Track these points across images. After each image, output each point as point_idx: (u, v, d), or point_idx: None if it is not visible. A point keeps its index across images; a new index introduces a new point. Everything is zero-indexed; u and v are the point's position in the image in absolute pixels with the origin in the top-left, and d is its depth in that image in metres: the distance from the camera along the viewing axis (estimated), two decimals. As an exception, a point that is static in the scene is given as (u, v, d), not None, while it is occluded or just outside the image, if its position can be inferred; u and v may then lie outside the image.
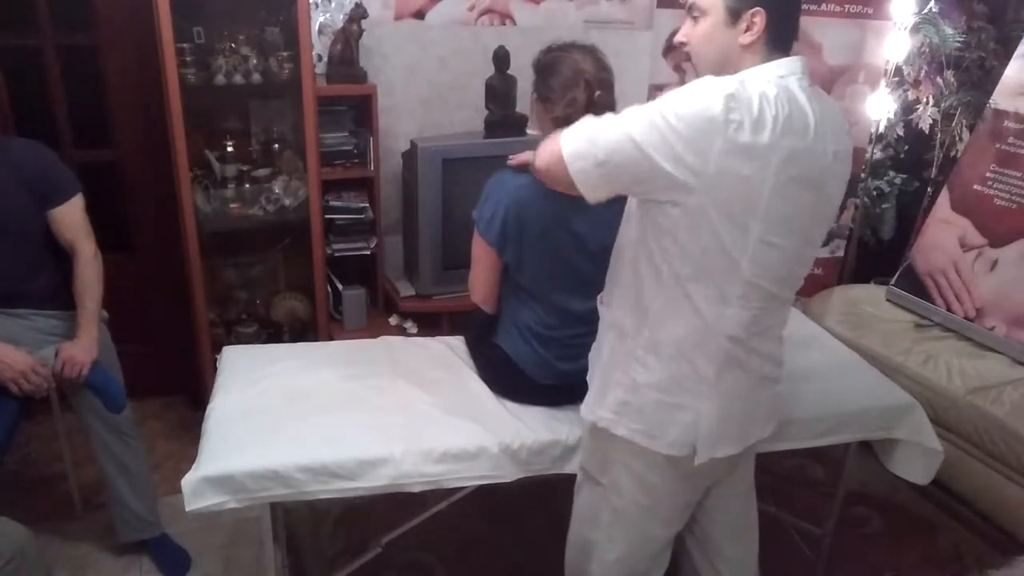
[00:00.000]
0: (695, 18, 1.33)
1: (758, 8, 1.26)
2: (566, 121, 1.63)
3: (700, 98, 1.20)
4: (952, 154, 3.07)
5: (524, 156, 1.66)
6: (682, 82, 1.63)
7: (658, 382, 1.39)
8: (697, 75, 1.33)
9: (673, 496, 1.49)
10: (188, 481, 1.54)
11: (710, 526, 1.64)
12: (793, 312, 2.46)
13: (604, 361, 1.50)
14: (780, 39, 1.29)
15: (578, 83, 1.62)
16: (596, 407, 1.50)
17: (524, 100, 1.83)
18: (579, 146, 1.30)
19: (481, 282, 1.83)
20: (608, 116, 1.30)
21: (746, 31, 1.27)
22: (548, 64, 1.68)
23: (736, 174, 1.21)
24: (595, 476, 1.56)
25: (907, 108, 3.10)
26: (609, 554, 1.56)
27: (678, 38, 1.37)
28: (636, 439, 1.43)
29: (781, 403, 1.57)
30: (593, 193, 1.33)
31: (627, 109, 1.28)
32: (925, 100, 3.08)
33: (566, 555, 1.67)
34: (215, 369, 1.97)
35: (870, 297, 2.96)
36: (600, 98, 1.63)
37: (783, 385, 1.54)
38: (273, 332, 2.90)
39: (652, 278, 1.35)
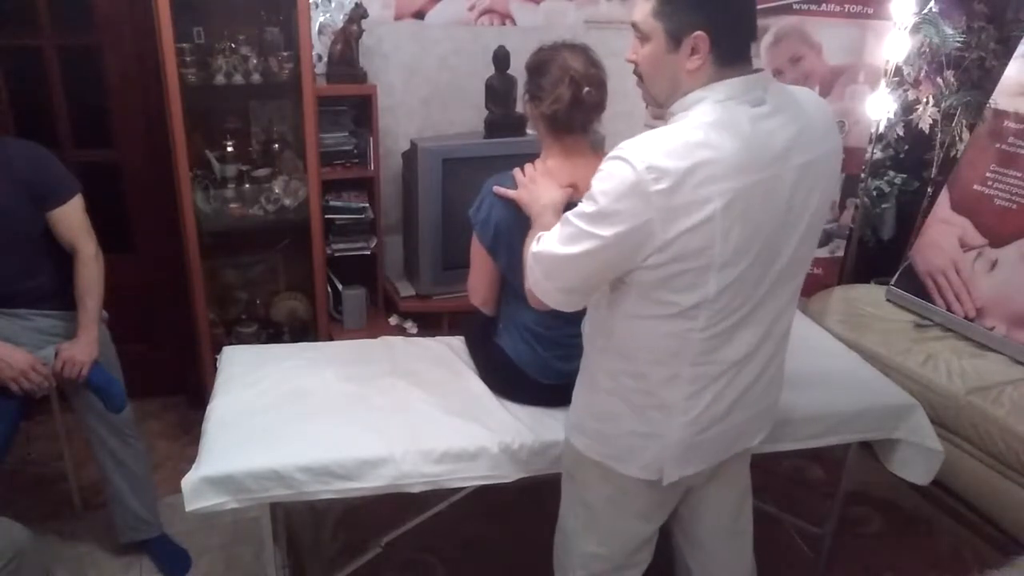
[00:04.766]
0: (639, 38, 1.28)
1: (699, 32, 1.19)
2: (553, 118, 1.66)
3: (618, 188, 1.17)
4: (952, 154, 3.07)
5: (512, 193, 1.68)
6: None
7: (625, 412, 1.38)
8: (650, 95, 1.31)
9: (644, 496, 1.47)
10: (188, 481, 1.54)
11: (700, 530, 1.62)
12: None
13: (582, 382, 1.50)
14: (728, 58, 1.22)
15: (564, 80, 1.63)
16: (575, 431, 1.51)
17: (523, 101, 1.84)
18: (540, 287, 1.35)
19: (480, 285, 1.84)
20: (549, 239, 1.31)
21: (691, 55, 1.21)
22: (538, 63, 1.69)
23: (684, 231, 1.17)
24: (571, 471, 1.56)
25: (907, 108, 3.10)
26: (586, 547, 1.55)
27: (628, 56, 1.31)
28: (608, 463, 1.44)
29: (774, 414, 1.53)
30: (580, 304, 1.37)
31: (560, 227, 1.28)
32: (925, 100, 3.08)
33: (553, 549, 1.67)
34: (215, 369, 1.97)
35: (870, 297, 2.96)
36: (588, 95, 1.64)
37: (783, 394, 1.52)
38: (273, 332, 2.90)
39: (614, 306, 1.34)
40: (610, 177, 1.19)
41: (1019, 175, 2.67)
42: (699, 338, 1.28)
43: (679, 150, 1.16)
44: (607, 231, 1.19)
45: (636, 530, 1.53)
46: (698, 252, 1.18)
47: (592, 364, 1.45)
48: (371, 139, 2.81)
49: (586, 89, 1.63)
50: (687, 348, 1.29)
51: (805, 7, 2.97)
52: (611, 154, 1.20)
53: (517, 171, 1.69)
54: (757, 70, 1.26)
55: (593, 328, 1.43)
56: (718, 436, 1.40)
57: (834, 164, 1.34)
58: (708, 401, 1.35)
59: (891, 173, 3.20)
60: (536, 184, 1.63)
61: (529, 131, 2.80)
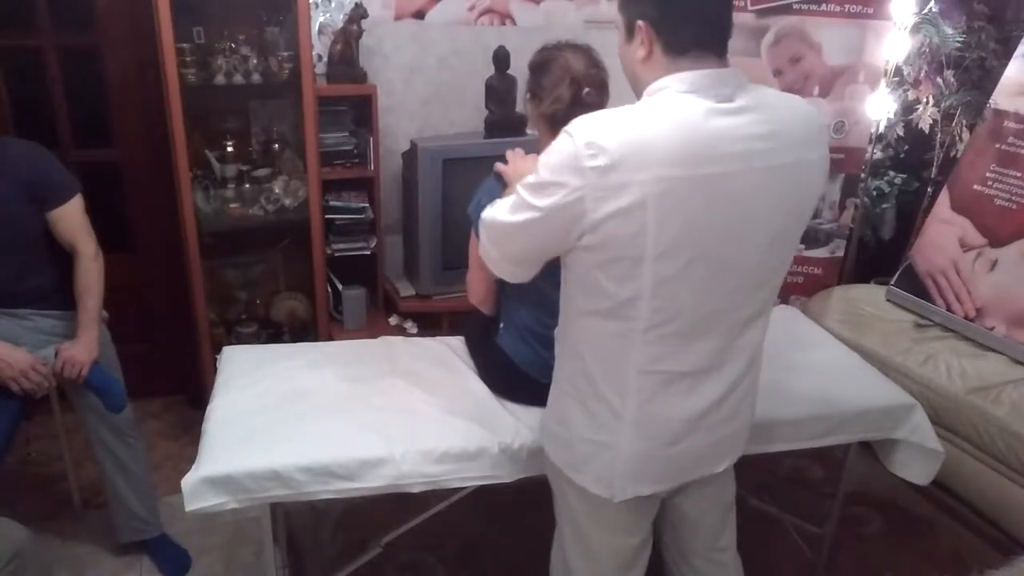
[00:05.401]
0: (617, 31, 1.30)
1: (641, 21, 1.20)
2: (552, 117, 1.66)
3: (558, 161, 1.18)
4: (952, 154, 3.07)
5: (501, 166, 1.70)
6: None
7: (580, 417, 1.37)
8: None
9: (614, 507, 1.41)
10: (188, 481, 1.54)
11: (683, 546, 1.61)
12: (793, 312, 2.48)
13: (552, 384, 1.48)
14: (678, 48, 1.20)
15: (564, 80, 1.63)
16: (543, 433, 1.52)
17: (524, 100, 1.84)
18: (487, 254, 1.38)
19: (478, 283, 1.83)
20: (500, 206, 1.33)
21: (640, 45, 1.22)
22: (540, 63, 1.70)
23: (614, 212, 1.15)
24: (550, 480, 1.55)
25: (907, 108, 3.10)
26: (576, 562, 1.53)
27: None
28: (567, 472, 1.43)
29: (742, 440, 1.47)
30: (529, 276, 1.38)
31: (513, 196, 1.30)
32: (925, 100, 3.08)
33: (550, 561, 1.65)
34: (215, 369, 1.97)
35: (870, 297, 2.96)
36: (588, 96, 1.64)
37: (762, 406, 1.50)
38: (273, 332, 2.90)
39: (567, 301, 1.34)
40: (554, 150, 1.19)
41: (1019, 175, 2.67)
42: (643, 340, 1.25)
43: (621, 130, 1.15)
44: (543, 202, 1.20)
45: (617, 543, 1.49)
46: (630, 238, 1.16)
47: (557, 365, 1.45)
48: (371, 139, 2.81)
49: (586, 90, 1.63)
50: (632, 351, 1.26)
51: (805, 7, 2.97)
52: (563, 128, 1.21)
53: (510, 151, 1.72)
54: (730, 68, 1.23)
55: (558, 328, 1.43)
56: (676, 457, 1.36)
57: (814, 174, 1.27)
58: (659, 413, 1.31)
59: (891, 173, 3.20)
60: (525, 160, 1.65)
61: (529, 131, 2.80)
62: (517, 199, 1.26)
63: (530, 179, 1.23)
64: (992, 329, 2.59)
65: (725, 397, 1.35)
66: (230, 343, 2.44)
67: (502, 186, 1.69)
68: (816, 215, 3.24)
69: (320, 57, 2.77)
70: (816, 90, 3.07)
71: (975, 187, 2.78)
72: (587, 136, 1.14)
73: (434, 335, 2.21)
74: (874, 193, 3.19)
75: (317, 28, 2.79)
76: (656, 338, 1.25)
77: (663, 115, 1.17)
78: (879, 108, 3.05)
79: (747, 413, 1.44)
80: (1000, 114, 2.77)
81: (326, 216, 2.78)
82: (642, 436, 1.33)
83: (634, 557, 1.52)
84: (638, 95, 1.28)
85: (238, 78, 2.53)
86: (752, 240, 1.23)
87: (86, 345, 1.95)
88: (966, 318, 2.66)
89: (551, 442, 1.48)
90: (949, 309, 2.72)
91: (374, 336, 2.20)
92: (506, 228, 1.30)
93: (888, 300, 2.92)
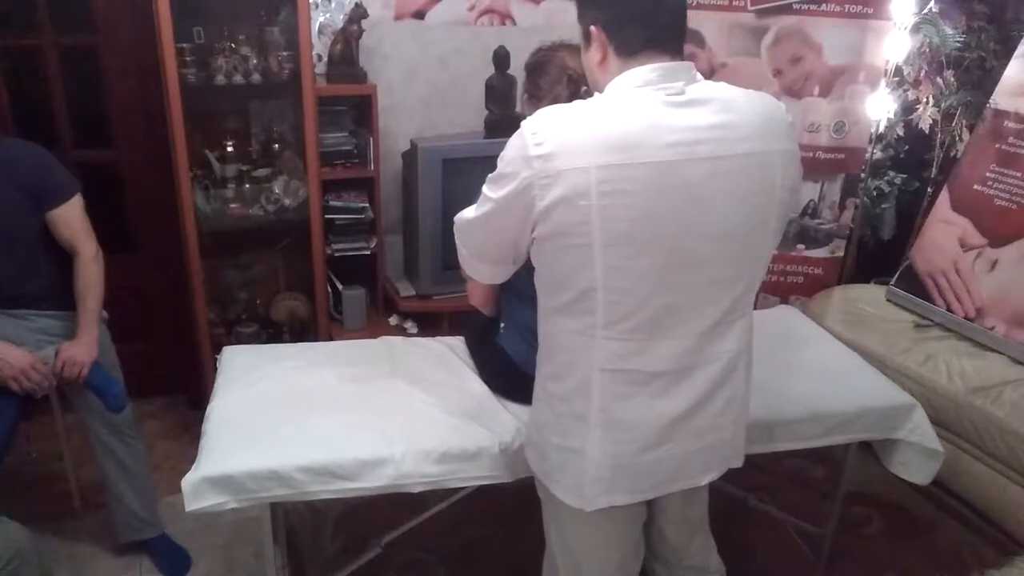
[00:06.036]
0: None
1: (594, 26, 1.25)
2: None
3: (510, 153, 1.22)
4: (952, 154, 3.07)
5: None
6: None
7: (551, 422, 1.37)
8: None
9: (599, 518, 1.39)
10: (188, 481, 1.53)
11: (663, 556, 1.61)
12: (793, 312, 2.48)
13: (534, 393, 1.47)
14: (631, 49, 1.23)
15: (562, 79, 1.65)
16: (526, 441, 1.53)
17: (522, 101, 1.85)
18: (459, 253, 1.42)
19: (477, 285, 1.83)
20: (468, 208, 1.37)
21: (596, 50, 1.26)
22: (536, 64, 1.71)
23: (560, 199, 1.17)
24: (538, 491, 1.55)
25: (907, 108, 3.10)
26: (564, 572, 1.52)
27: None
28: (544, 480, 1.44)
29: (728, 453, 1.42)
30: (502, 276, 1.43)
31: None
32: (925, 100, 3.08)
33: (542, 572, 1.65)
34: (215, 369, 1.97)
35: (870, 297, 2.96)
36: (586, 94, 1.64)
37: (762, 406, 1.50)
38: (273, 332, 2.90)
39: (540, 307, 1.36)
40: (508, 144, 1.23)
41: (1019, 175, 2.67)
42: (603, 336, 1.25)
43: (566, 120, 1.19)
44: (498, 193, 1.24)
45: (604, 555, 1.48)
46: (578, 226, 1.18)
47: (536, 371, 1.45)
48: (371, 139, 2.81)
49: (584, 88, 1.64)
50: (594, 348, 1.26)
51: (805, 7, 2.97)
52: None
53: None
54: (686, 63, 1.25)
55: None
56: (650, 464, 1.33)
57: (775, 167, 1.24)
58: (626, 417, 1.30)
59: (891, 173, 3.20)
60: None
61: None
62: (481, 195, 1.30)
63: (490, 175, 1.27)
64: (992, 329, 2.58)
65: (699, 406, 1.32)
66: (230, 343, 2.44)
67: None
68: (816, 215, 3.24)
69: (320, 57, 2.78)
70: (816, 90, 3.07)
71: (975, 187, 2.78)
72: (534, 127, 1.19)
73: (434, 335, 2.21)
74: (874, 193, 3.19)
75: (317, 28, 2.79)
76: (616, 334, 1.25)
77: (610, 107, 1.21)
78: (879, 108, 3.05)
79: (729, 429, 1.39)
80: (1000, 114, 2.77)
81: (326, 216, 2.78)
82: (609, 440, 1.31)
83: (623, 568, 1.51)
84: None
85: (238, 78, 2.53)
86: (703, 231, 1.21)
87: (86, 345, 1.95)
88: (966, 318, 2.66)
89: (530, 449, 1.49)
90: (949, 309, 2.72)
91: (374, 336, 2.20)
92: (468, 223, 1.35)
93: (888, 300, 2.92)
